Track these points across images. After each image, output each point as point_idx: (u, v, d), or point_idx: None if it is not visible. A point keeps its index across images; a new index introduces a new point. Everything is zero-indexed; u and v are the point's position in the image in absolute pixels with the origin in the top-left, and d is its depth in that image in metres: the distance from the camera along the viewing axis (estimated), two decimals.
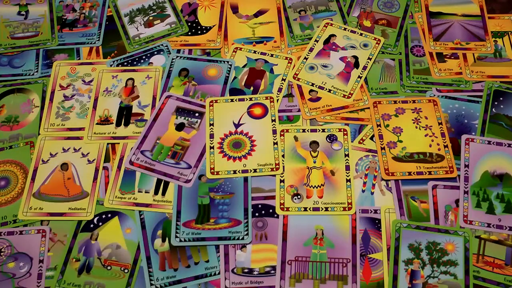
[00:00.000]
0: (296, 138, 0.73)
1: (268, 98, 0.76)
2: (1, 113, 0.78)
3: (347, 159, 0.70)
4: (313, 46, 0.82)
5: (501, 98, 0.76)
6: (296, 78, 0.79)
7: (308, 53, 0.81)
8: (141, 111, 0.76)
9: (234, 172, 0.69)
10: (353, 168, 0.71)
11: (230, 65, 0.80)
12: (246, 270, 0.65)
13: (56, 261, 0.66)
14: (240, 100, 0.76)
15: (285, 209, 0.67)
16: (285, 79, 0.79)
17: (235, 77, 0.80)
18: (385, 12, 0.87)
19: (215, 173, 0.70)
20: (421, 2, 0.88)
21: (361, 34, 0.83)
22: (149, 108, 0.77)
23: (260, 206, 0.69)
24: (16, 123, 0.77)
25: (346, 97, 0.76)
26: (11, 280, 0.65)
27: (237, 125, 0.74)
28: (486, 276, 0.63)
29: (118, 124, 0.75)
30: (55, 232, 0.68)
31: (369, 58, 0.80)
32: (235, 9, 0.88)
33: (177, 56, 0.82)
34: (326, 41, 0.82)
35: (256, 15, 0.87)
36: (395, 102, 0.76)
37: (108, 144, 0.74)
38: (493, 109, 0.75)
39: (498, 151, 0.71)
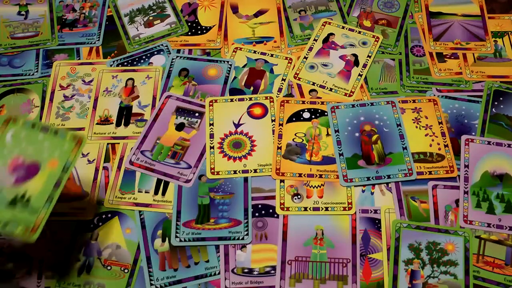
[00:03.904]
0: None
1: (268, 98, 0.76)
2: (1, 113, 0.78)
3: None
4: (312, 45, 0.82)
5: (501, 98, 0.76)
6: (297, 78, 0.79)
7: (308, 52, 0.81)
8: (141, 111, 0.76)
9: (234, 172, 0.69)
10: None
11: (230, 65, 0.80)
12: (246, 270, 0.65)
13: None
14: (240, 100, 0.76)
15: (285, 209, 0.67)
16: (285, 79, 0.79)
17: (235, 77, 0.80)
18: (385, 12, 0.87)
19: (215, 173, 0.70)
20: (421, 2, 0.88)
21: (359, 32, 0.83)
22: (149, 108, 0.77)
23: (260, 206, 0.69)
24: None
25: (347, 95, 0.76)
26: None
27: (237, 125, 0.74)
28: (486, 276, 0.63)
29: (118, 124, 0.75)
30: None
31: (368, 56, 0.80)
32: (235, 9, 0.88)
33: (177, 56, 0.82)
34: (325, 40, 0.82)
35: (256, 15, 0.87)
36: None
37: (108, 144, 0.74)
38: (493, 109, 0.75)
39: (498, 151, 0.71)
